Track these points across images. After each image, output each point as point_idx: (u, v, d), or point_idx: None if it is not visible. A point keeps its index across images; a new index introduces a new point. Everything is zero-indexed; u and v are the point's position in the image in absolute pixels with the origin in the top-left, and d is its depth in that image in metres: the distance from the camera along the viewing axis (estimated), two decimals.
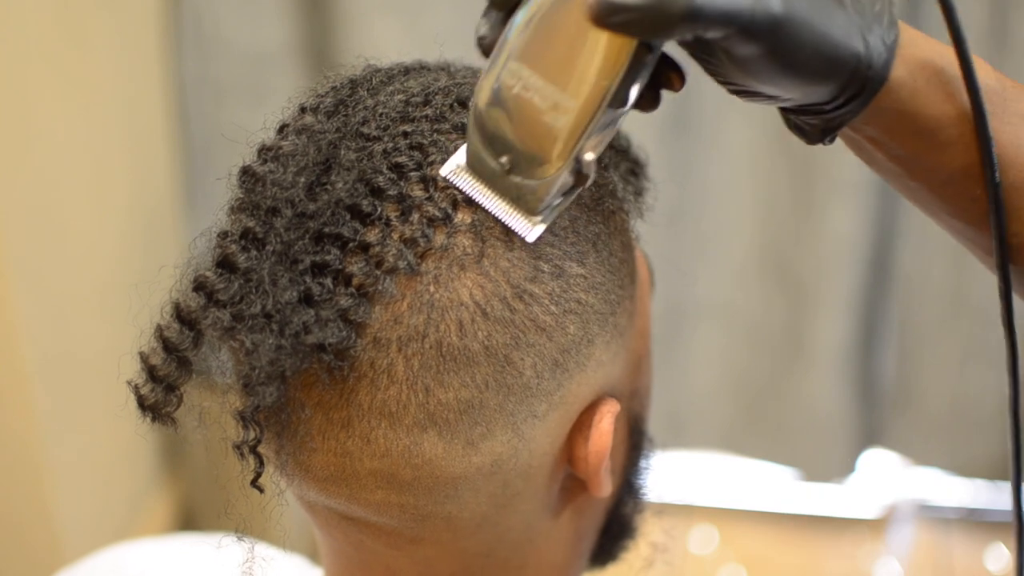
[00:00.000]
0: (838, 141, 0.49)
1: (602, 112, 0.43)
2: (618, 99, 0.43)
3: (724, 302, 1.74)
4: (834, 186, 1.61)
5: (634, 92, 0.43)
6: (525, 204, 0.44)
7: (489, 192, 0.45)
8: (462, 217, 0.44)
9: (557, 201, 0.45)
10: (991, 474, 1.81)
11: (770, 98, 0.46)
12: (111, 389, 1.35)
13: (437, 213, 0.44)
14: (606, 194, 0.50)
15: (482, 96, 0.44)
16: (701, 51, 0.44)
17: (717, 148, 1.60)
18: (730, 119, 1.57)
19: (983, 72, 0.47)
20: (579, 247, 0.47)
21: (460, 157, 0.45)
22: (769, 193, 1.65)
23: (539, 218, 0.45)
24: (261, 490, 0.46)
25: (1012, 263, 0.49)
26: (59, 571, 0.68)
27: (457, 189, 0.45)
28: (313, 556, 0.70)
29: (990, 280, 0.52)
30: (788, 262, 1.69)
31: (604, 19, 0.39)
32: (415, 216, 0.44)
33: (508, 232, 0.45)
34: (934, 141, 0.48)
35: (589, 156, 0.44)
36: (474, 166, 0.45)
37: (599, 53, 0.42)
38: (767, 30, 0.41)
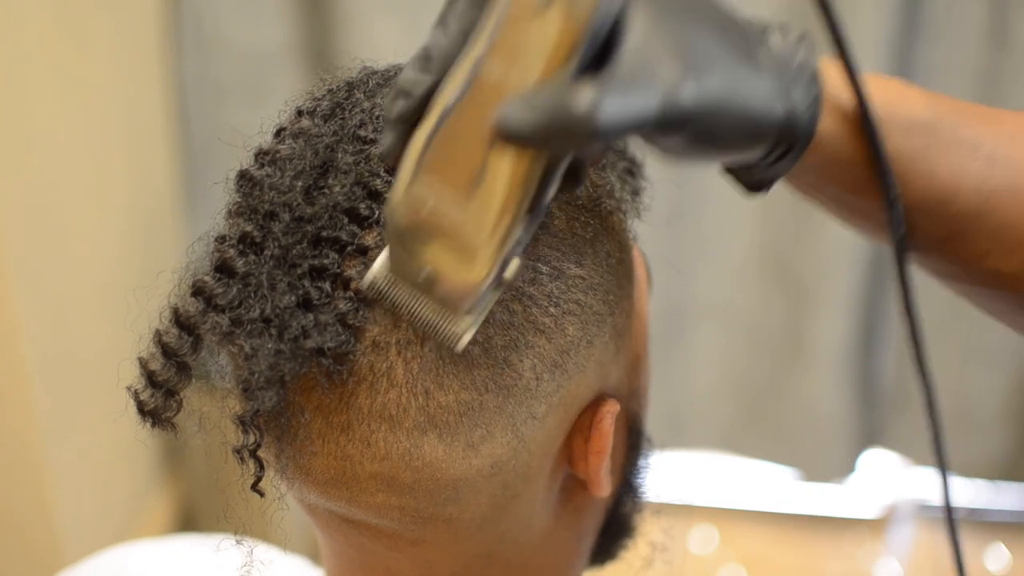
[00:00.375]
0: None
1: (521, 221, 0.41)
2: (536, 206, 0.41)
3: (724, 302, 1.74)
4: None
5: (551, 192, 0.41)
6: (453, 307, 0.42)
7: (415, 300, 0.42)
8: None
9: (487, 299, 0.43)
10: (991, 474, 1.81)
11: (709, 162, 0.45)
12: (111, 389, 1.34)
13: None
14: (603, 194, 0.50)
15: (397, 211, 0.41)
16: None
17: None
18: None
19: (912, 104, 0.47)
20: (577, 248, 0.47)
21: (379, 266, 0.43)
22: (769, 193, 1.65)
23: (469, 319, 0.42)
24: (262, 494, 0.46)
25: (987, 286, 0.50)
26: (60, 572, 0.68)
27: (378, 301, 0.43)
28: (314, 557, 0.70)
29: None
30: (788, 262, 1.69)
31: (508, 138, 0.37)
32: None
33: None
34: (869, 183, 0.47)
35: (515, 263, 0.42)
36: (398, 273, 0.42)
37: (508, 166, 0.40)
38: (680, 124, 0.39)
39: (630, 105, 0.36)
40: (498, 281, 0.42)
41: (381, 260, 0.43)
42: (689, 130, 0.39)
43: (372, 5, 1.55)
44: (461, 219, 0.41)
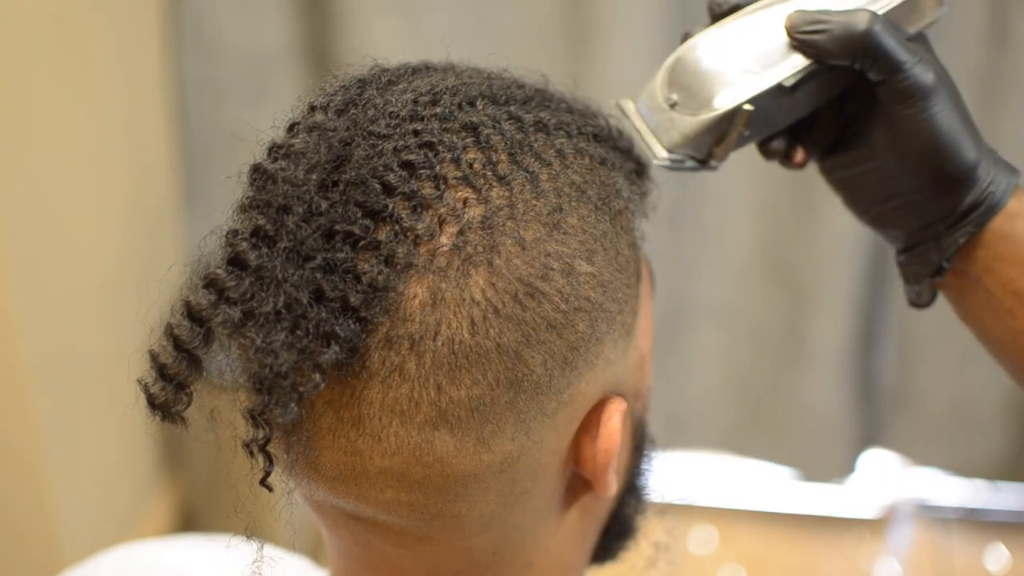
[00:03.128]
0: None
1: (775, 87, 0.54)
2: (789, 87, 0.55)
3: (724, 302, 1.74)
4: None
5: (801, 93, 0.55)
6: (666, 137, 0.55)
7: (642, 121, 0.56)
8: (473, 214, 0.45)
9: (689, 160, 0.56)
10: (991, 474, 1.81)
11: (900, 212, 0.57)
12: (111, 389, 1.34)
13: (448, 211, 0.44)
14: (612, 193, 0.50)
15: (697, 42, 0.56)
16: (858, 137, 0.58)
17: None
18: None
19: None
20: (588, 246, 0.47)
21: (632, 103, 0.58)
22: (769, 193, 1.65)
23: (667, 155, 0.55)
24: (270, 489, 0.46)
25: None
26: (62, 572, 0.68)
27: (620, 113, 0.55)
28: (316, 557, 0.70)
29: None
30: (788, 262, 1.69)
31: (796, 32, 0.55)
32: (426, 213, 0.44)
33: (519, 230, 0.45)
34: None
35: (748, 107, 0.54)
36: (644, 100, 0.56)
37: (790, 51, 0.55)
38: (924, 89, 0.54)
39: (890, 42, 0.53)
40: (721, 134, 0.55)
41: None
42: (925, 100, 0.54)
43: (372, 5, 1.55)
44: (737, 66, 0.55)
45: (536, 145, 0.48)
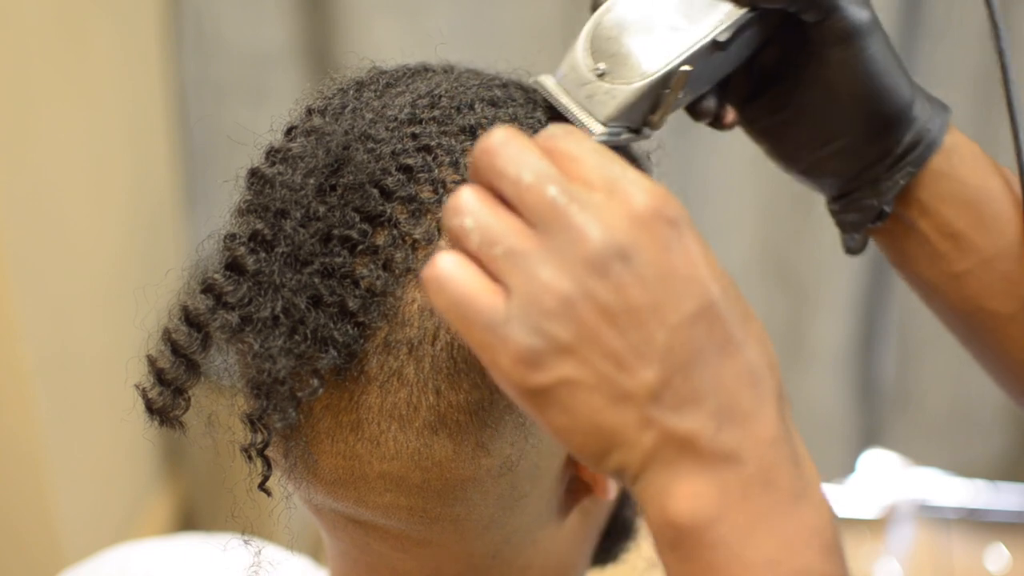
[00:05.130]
0: None
1: (709, 42, 0.50)
2: (724, 41, 0.50)
3: None
4: None
5: (734, 47, 0.51)
6: (599, 109, 0.49)
7: (567, 96, 0.50)
8: None
9: (625, 132, 0.50)
10: (991, 474, 1.81)
11: (835, 158, 0.55)
12: (111, 389, 1.34)
13: None
14: None
15: (613, 3, 0.51)
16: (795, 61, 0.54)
17: (717, 148, 1.60)
18: None
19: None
20: None
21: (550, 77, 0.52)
22: (769, 193, 1.65)
23: (604, 129, 0.49)
24: (269, 493, 0.46)
25: None
26: (62, 571, 0.68)
27: (543, 92, 0.50)
28: (316, 557, 0.70)
29: None
30: (788, 262, 1.69)
31: None
32: (425, 218, 0.44)
33: None
34: (982, 213, 0.53)
35: (686, 68, 0.50)
36: (566, 73, 0.50)
37: (715, 1, 0.51)
38: (861, 29, 0.51)
39: None
40: (657, 97, 0.50)
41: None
42: (859, 41, 0.51)
43: (372, 5, 1.55)
44: (664, 25, 0.50)
45: None
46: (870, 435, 1.81)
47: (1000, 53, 0.56)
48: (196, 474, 1.66)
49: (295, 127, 0.48)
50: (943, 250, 0.55)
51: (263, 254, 0.44)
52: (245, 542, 0.50)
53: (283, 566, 0.67)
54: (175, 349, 0.45)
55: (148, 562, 0.67)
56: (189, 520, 1.67)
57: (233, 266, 0.44)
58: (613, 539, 0.60)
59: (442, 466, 0.45)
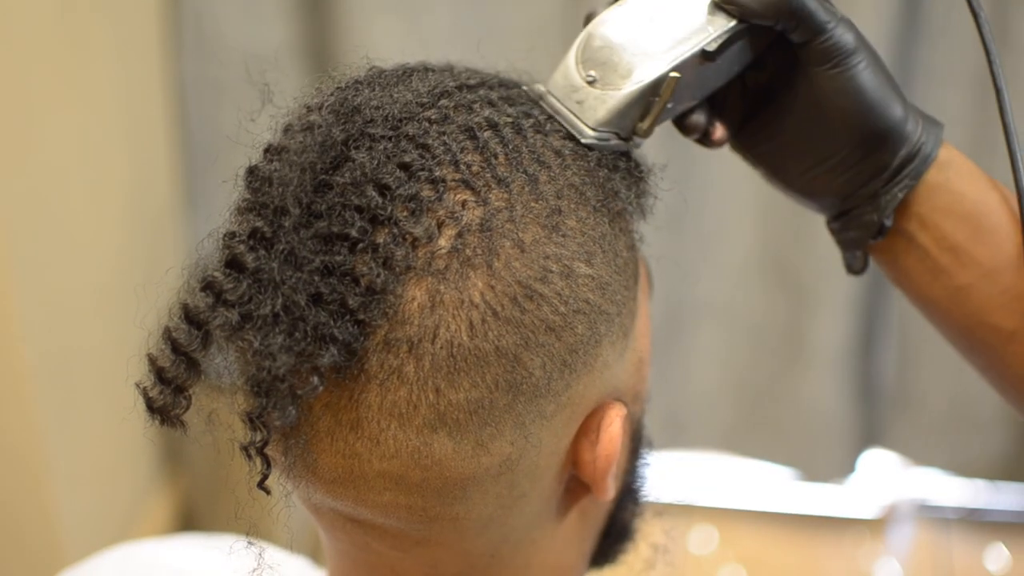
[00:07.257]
0: None
1: (697, 53, 0.52)
2: (712, 52, 0.52)
3: (724, 302, 1.74)
4: None
5: (722, 60, 0.53)
6: (590, 114, 0.51)
7: (559, 103, 0.52)
8: (472, 217, 0.44)
9: (613, 139, 0.51)
10: (991, 474, 1.81)
11: (831, 177, 0.56)
12: (111, 389, 1.34)
13: (447, 213, 0.44)
14: (611, 195, 0.50)
15: (607, 16, 0.53)
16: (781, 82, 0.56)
17: (718, 149, 1.60)
18: None
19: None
20: (587, 248, 0.47)
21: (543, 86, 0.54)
22: (769, 193, 1.64)
23: (593, 133, 0.51)
24: (268, 492, 0.46)
25: None
26: (62, 571, 0.68)
27: (536, 99, 0.52)
28: (315, 557, 0.70)
29: None
30: (788, 262, 1.69)
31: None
32: (425, 216, 0.44)
33: (518, 232, 0.45)
34: (980, 226, 0.55)
35: (675, 74, 0.52)
36: (558, 82, 0.52)
37: (706, 15, 0.53)
38: (847, 48, 0.53)
39: (813, 3, 0.52)
40: (647, 104, 0.52)
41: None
42: (848, 62, 0.53)
43: (372, 5, 1.55)
44: (653, 36, 0.52)
45: (535, 147, 0.48)
46: (870, 435, 1.81)
47: (994, 77, 0.57)
48: (196, 474, 1.66)
49: (293, 125, 0.48)
50: (944, 263, 0.56)
51: (263, 252, 0.44)
52: (248, 544, 0.50)
53: (282, 568, 0.67)
54: (175, 347, 0.45)
55: (147, 562, 0.67)
56: (189, 520, 1.67)
57: (233, 264, 0.44)
58: (611, 541, 0.60)
59: (441, 465, 0.45)
